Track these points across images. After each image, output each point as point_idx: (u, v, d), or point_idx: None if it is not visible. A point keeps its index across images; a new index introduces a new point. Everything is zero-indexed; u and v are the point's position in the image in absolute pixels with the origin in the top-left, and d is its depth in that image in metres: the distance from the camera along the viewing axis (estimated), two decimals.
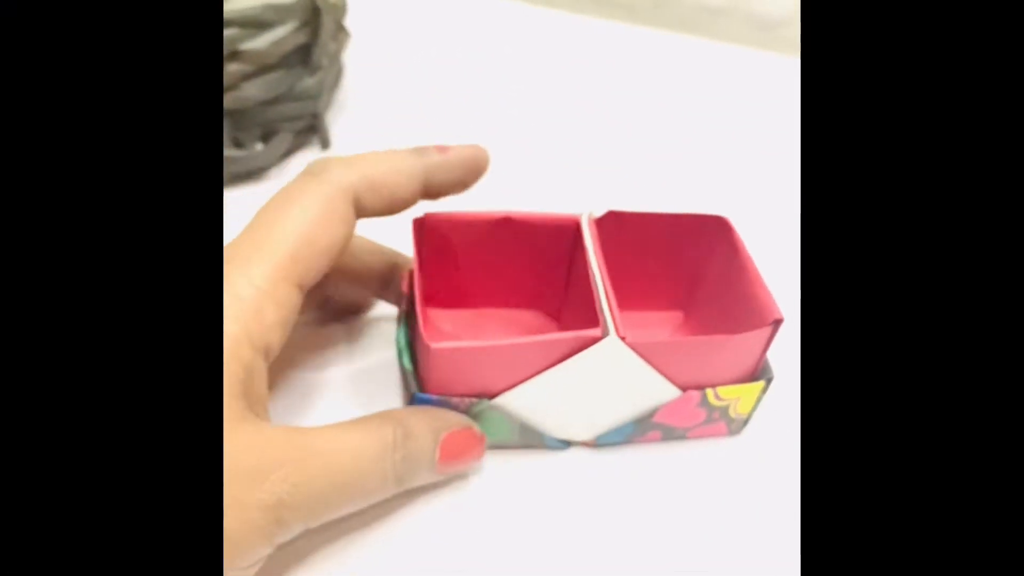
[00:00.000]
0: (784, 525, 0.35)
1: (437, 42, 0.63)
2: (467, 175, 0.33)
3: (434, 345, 0.30)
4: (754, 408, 0.37)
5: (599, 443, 0.37)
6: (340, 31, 0.54)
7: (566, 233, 0.37)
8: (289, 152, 0.51)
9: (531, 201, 0.49)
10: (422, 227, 0.36)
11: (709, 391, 0.35)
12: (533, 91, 0.59)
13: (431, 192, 0.33)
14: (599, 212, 0.37)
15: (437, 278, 0.39)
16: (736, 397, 0.35)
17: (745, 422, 0.38)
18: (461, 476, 0.35)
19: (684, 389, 0.34)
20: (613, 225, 0.38)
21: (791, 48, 0.69)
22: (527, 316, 0.40)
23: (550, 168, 0.52)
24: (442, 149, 0.33)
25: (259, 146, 0.49)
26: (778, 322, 0.33)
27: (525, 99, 0.58)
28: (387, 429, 0.29)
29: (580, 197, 0.50)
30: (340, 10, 0.53)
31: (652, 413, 0.35)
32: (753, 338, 0.33)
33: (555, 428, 0.35)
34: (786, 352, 0.42)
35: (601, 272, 0.33)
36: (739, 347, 0.33)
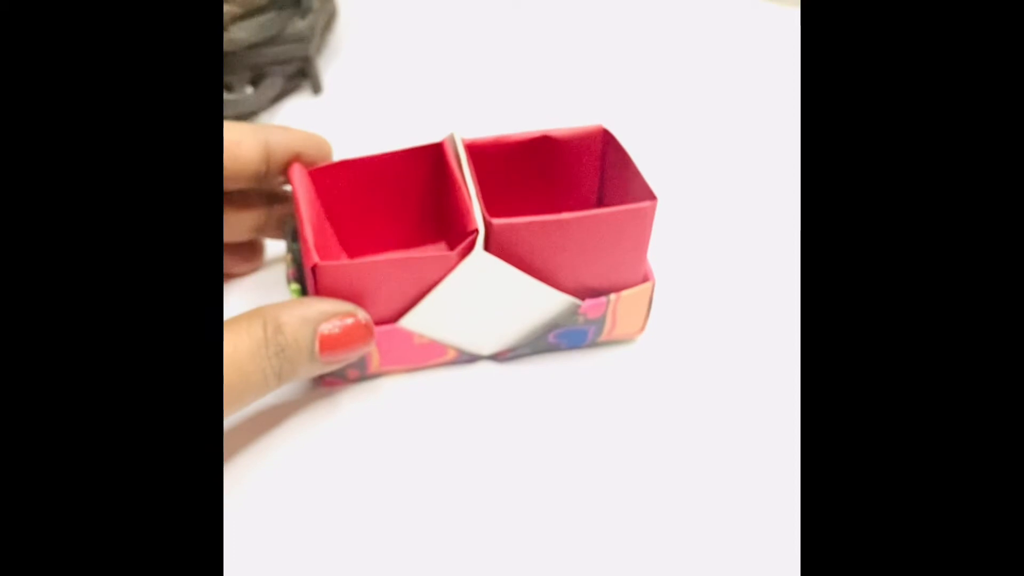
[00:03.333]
0: (683, 430, 0.38)
1: None
2: (309, 148, 0.38)
3: (321, 263, 0.34)
4: (647, 314, 0.40)
5: (505, 357, 0.40)
6: None
7: (437, 158, 0.40)
8: (279, 96, 0.56)
9: None
10: (302, 176, 0.39)
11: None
12: (525, 34, 0.61)
13: (273, 161, 0.37)
14: (467, 135, 0.39)
15: (336, 226, 0.42)
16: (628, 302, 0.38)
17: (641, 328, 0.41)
18: (370, 389, 0.39)
19: (573, 294, 0.37)
20: (484, 150, 0.40)
21: None
22: (435, 250, 0.44)
23: (540, 113, 0.55)
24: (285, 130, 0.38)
25: (249, 89, 0.53)
26: (654, 200, 0.35)
27: (516, 43, 0.60)
28: (256, 325, 0.31)
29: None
30: None
31: (549, 326, 0.39)
32: (626, 217, 0.35)
33: (460, 342, 0.39)
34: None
35: (472, 182, 0.36)
36: (615, 229, 0.36)
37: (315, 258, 0.34)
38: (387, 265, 0.34)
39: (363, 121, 0.54)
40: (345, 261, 0.34)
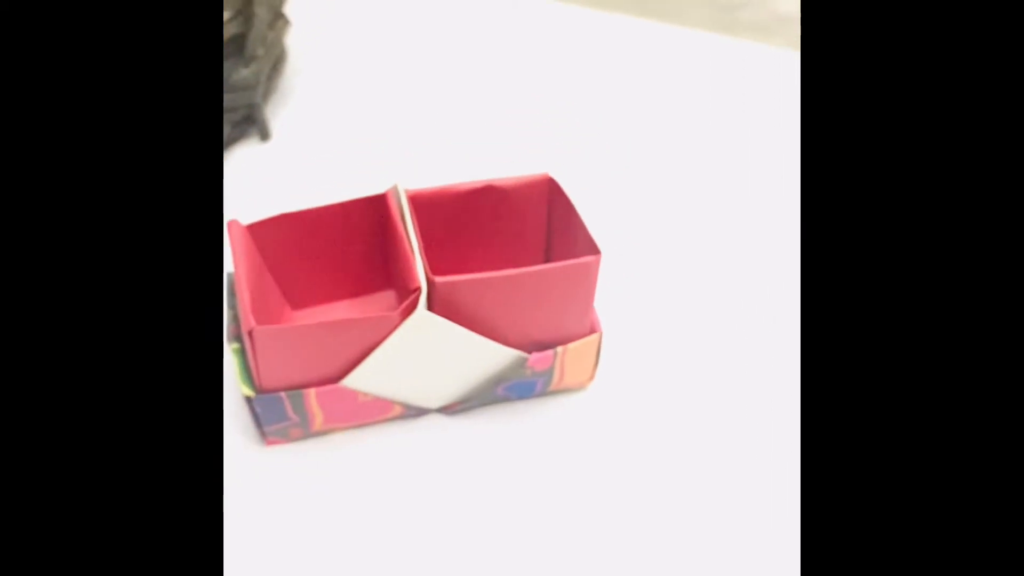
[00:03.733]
0: (633, 475, 0.37)
1: (381, 27, 0.66)
2: None
3: (258, 328, 0.33)
4: (596, 364, 0.40)
5: (454, 411, 0.40)
6: (279, 19, 0.57)
7: (382, 210, 0.40)
8: (227, 143, 0.55)
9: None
10: (239, 233, 0.38)
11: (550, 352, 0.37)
12: (479, 75, 0.61)
13: None
14: (411, 186, 0.39)
15: (278, 277, 0.41)
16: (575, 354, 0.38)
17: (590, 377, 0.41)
18: (315, 446, 0.39)
19: (520, 348, 0.37)
20: (428, 201, 0.40)
21: (749, 31, 0.70)
22: (382, 297, 0.43)
23: (500, 151, 0.55)
24: None
25: None
26: (597, 254, 0.35)
27: (471, 83, 0.60)
28: None
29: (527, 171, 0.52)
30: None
31: (497, 379, 0.38)
32: (570, 271, 0.35)
33: (407, 398, 0.38)
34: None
35: (415, 237, 0.36)
36: (560, 283, 0.35)
37: (251, 322, 0.33)
38: (327, 328, 0.34)
39: (312, 167, 0.54)
40: (283, 326, 0.33)
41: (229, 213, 0.50)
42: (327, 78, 0.61)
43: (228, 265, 0.45)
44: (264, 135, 0.56)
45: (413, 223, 0.37)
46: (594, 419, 0.40)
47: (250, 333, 0.33)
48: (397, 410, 0.39)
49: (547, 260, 0.43)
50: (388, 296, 0.43)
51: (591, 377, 0.41)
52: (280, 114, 0.58)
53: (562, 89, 0.60)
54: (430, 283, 0.34)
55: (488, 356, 0.37)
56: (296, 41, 0.64)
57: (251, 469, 0.38)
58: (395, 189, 0.39)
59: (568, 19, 0.67)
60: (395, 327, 0.35)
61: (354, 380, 0.36)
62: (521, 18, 0.66)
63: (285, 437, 0.38)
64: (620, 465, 0.38)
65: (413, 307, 0.34)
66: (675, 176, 0.54)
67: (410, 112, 0.58)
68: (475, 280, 0.35)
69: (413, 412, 0.39)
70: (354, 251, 0.41)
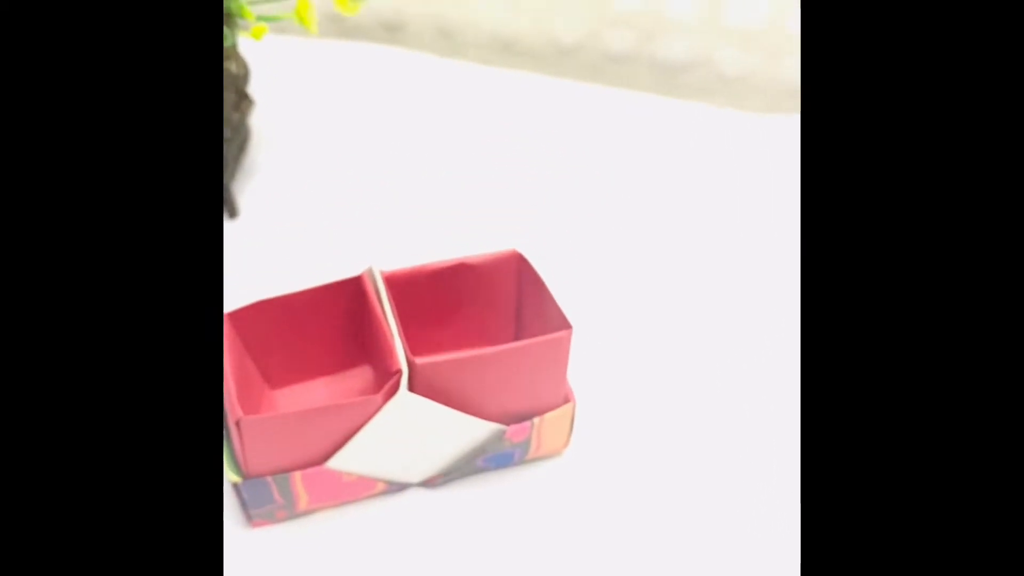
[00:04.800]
0: (613, 538, 0.39)
1: (345, 106, 0.68)
2: None
3: (245, 418, 0.34)
4: (570, 432, 0.41)
5: (435, 483, 0.41)
6: (244, 99, 0.58)
7: (359, 291, 0.41)
8: None
9: (454, 252, 0.53)
10: (224, 323, 0.38)
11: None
12: (442, 146, 0.63)
13: None
14: (384, 267, 0.41)
15: (257, 360, 0.42)
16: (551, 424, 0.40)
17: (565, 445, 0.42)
18: (300, 526, 0.39)
19: (498, 421, 0.38)
20: (402, 281, 0.41)
21: (694, 93, 0.73)
22: (359, 373, 0.44)
23: (465, 226, 0.56)
24: None
25: None
26: (569, 329, 0.37)
27: (434, 154, 0.62)
28: None
29: (494, 243, 0.54)
30: (242, 79, 0.57)
31: (477, 452, 0.39)
32: (544, 346, 0.37)
33: (390, 475, 0.39)
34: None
35: (394, 319, 0.37)
36: (535, 358, 0.37)
37: (239, 412, 0.34)
38: (312, 414, 0.35)
39: (280, 244, 0.55)
40: (270, 415, 0.34)
41: None
42: (291, 155, 0.62)
43: None
44: (232, 212, 0.57)
45: (391, 305, 0.39)
46: (571, 484, 0.42)
47: (237, 423, 0.34)
48: (380, 487, 0.40)
49: (517, 330, 0.44)
50: (364, 371, 0.44)
51: (566, 444, 0.42)
52: (246, 191, 0.59)
53: (523, 159, 0.63)
54: (410, 365, 0.36)
55: (468, 431, 0.38)
56: (260, 119, 0.65)
57: (238, 550, 0.38)
58: (370, 271, 0.40)
59: (522, 87, 0.69)
60: (378, 409, 0.36)
61: (339, 461, 0.37)
62: (480, 89, 0.68)
63: (271, 519, 0.39)
64: (598, 528, 0.40)
65: (395, 389, 0.36)
66: (636, 243, 0.56)
67: (375, 187, 0.60)
68: (454, 360, 0.36)
69: (396, 487, 0.40)
70: (331, 331, 0.42)
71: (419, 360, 0.36)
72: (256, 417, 0.34)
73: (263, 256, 0.54)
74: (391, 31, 0.76)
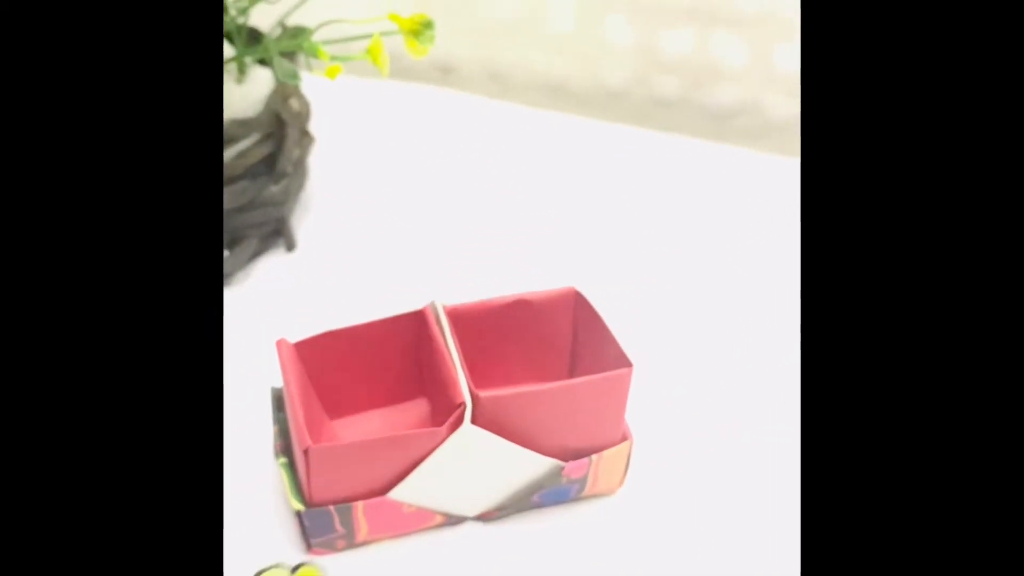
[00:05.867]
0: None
1: (398, 139, 0.69)
2: None
3: (314, 447, 0.35)
4: (626, 470, 0.41)
5: (491, 518, 0.41)
6: (304, 136, 0.60)
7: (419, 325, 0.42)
8: (255, 256, 0.57)
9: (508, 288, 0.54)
10: (287, 350, 0.39)
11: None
12: (492, 185, 0.64)
13: None
14: (447, 302, 0.41)
15: (318, 389, 0.43)
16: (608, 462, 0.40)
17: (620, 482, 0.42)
18: (359, 556, 0.40)
19: (556, 457, 0.39)
20: (463, 316, 0.42)
21: (743, 139, 0.74)
22: (415, 406, 0.45)
23: (519, 255, 0.57)
24: None
25: (225, 252, 0.55)
26: (630, 367, 0.37)
27: (484, 193, 0.63)
28: None
29: (548, 281, 0.55)
30: (304, 117, 0.59)
31: (534, 487, 0.40)
32: (605, 383, 0.37)
33: (448, 507, 0.40)
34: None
35: (456, 351, 0.38)
36: (596, 395, 0.38)
37: (307, 441, 0.35)
38: (378, 444, 0.36)
39: (336, 276, 0.56)
40: (337, 443, 0.35)
41: (260, 321, 0.52)
42: (348, 191, 0.64)
43: (273, 379, 0.46)
44: (290, 246, 0.58)
45: (454, 339, 0.39)
46: (625, 523, 0.42)
47: (306, 451, 0.35)
48: (438, 519, 0.40)
49: (572, 367, 0.45)
50: (420, 404, 0.45)
51: (621, 483, 0.43)
52: (303, 225, 0.60)
53: (572, 200, 0.64)
54: (474, 398, 0.36)
55: (527, 465, 0.39)
56: (319, 155, 0.67)
57: None
58: (433, 305, 0.41)
59: (571, 129, 0.70)
60: (442, 441, 0.36)
61: (400, 492, 0.37)
62: (529, 130, 0.70)
63: (331, 548, 0.39)
64: (652, 565, 0.40)
65: (459, 421, 0.36)
66: (685, 284, 0.56)
67: (427, 223, 0.61)
68: (518, 394, 0.37)
69: (453, 520, 0.41)
70: (391, 363, 0.43)
71: (483, 394, 0.36)
72: (325, 446, 0.35)
73: (319, 288, 0.55)
74: (444, 72, 0.78)
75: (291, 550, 0.40)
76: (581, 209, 0.62)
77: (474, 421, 0.37)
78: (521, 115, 0.71)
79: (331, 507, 0.37)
